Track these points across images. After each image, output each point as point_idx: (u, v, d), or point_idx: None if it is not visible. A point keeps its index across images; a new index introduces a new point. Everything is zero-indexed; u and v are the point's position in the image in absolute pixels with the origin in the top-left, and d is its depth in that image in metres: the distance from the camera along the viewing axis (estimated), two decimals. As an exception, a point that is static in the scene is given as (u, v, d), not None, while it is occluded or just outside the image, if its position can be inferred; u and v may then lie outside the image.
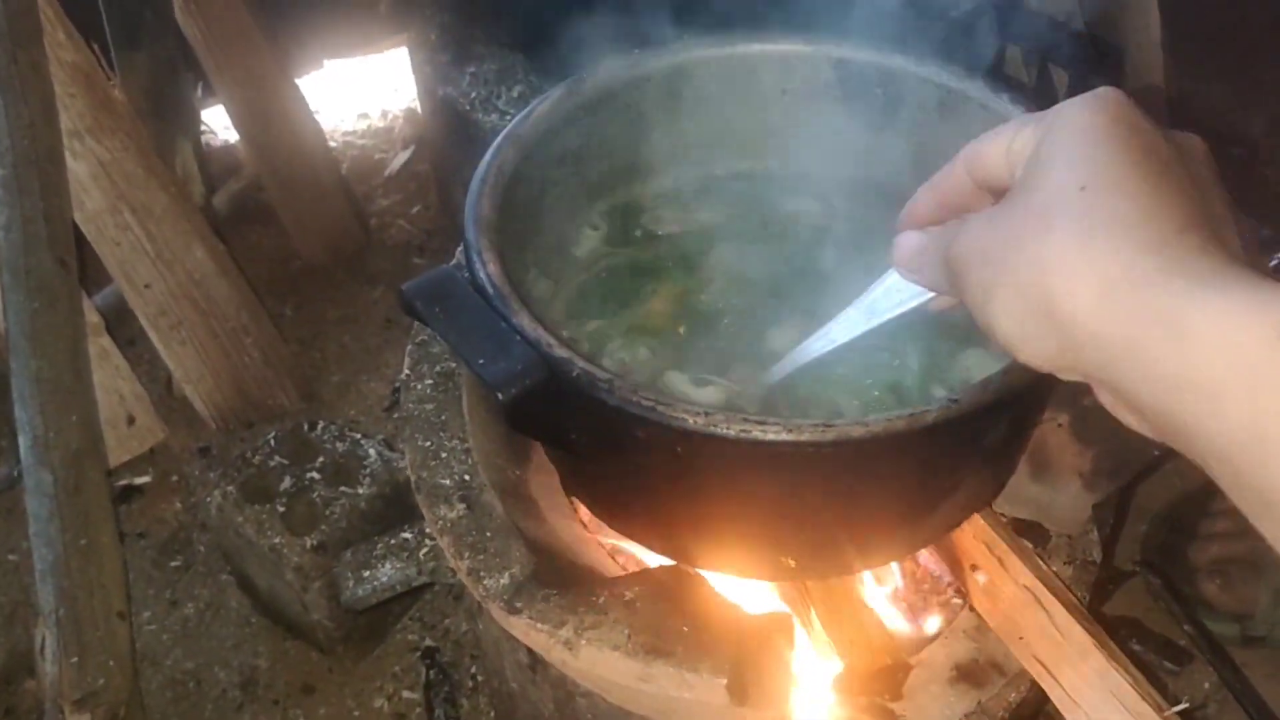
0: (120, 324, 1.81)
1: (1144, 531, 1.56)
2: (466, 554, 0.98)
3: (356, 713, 1.51)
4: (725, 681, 0.87)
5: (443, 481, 1.04)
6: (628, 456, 0.91)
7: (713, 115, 1.23)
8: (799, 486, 0.89)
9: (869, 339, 0.85)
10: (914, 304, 0.78)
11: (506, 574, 0.96)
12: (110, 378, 1.72)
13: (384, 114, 2.55)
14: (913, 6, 1.25)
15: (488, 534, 1.00)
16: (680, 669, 0.87)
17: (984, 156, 0.67)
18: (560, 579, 0.95)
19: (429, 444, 1.08)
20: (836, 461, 0.85)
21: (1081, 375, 0.58)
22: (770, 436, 0.82)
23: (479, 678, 1.53)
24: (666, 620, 0.90)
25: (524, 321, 0.89)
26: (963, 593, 1.16)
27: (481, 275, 0.94)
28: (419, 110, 2.49)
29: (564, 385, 0.85)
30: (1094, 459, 1.13)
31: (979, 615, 1.13)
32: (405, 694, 1.53)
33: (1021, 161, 0.62)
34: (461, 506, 1.02)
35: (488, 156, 1.07)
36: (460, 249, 1.00)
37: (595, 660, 0.89)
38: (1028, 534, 1.16)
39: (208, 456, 1.82)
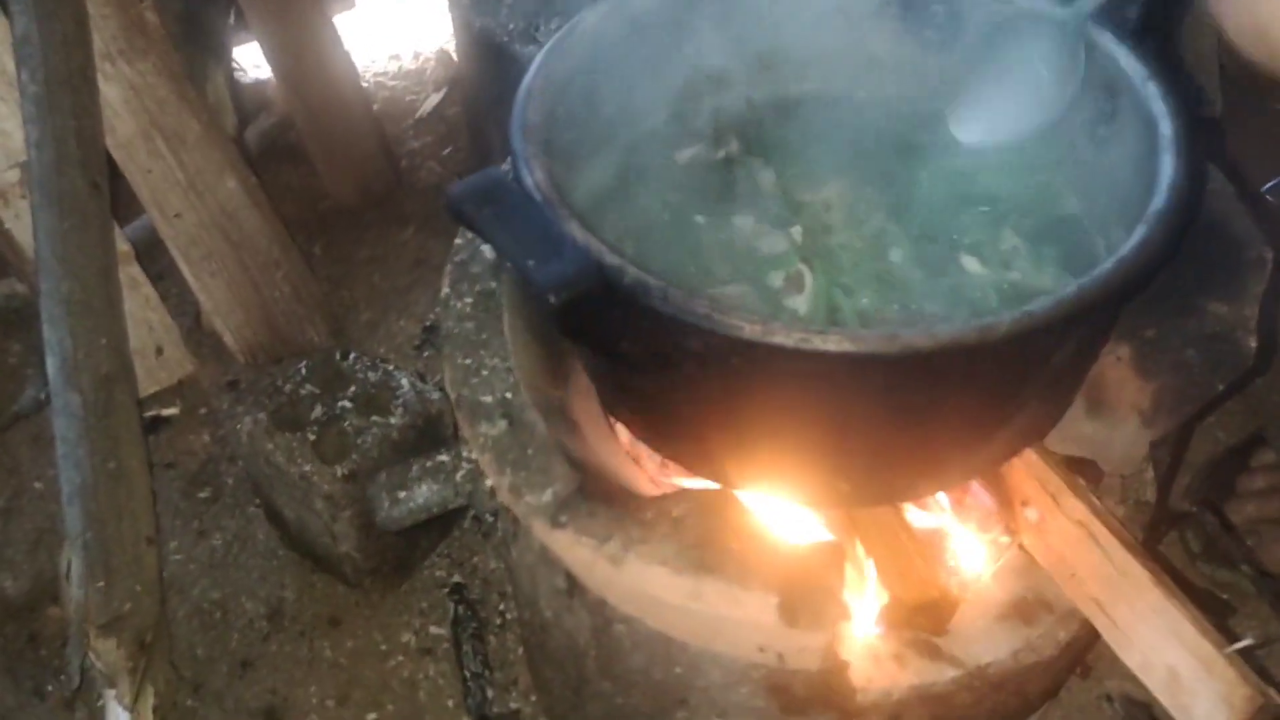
0: (149, 258, 1.79)
1: (1185, 485, 1.52)
2: (508, 470, 0.96)
3: (383, 646, 1.50)
4: (777, 600, 0.84)
5: (483, 399, 1.02)
6: (679, 369, 0.88)
7: (767, 33, 1.19)
8: (859, 403, 0.85)
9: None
10: None
11: (549, 490, 0.93)
12: (139, 308, 1.70)
13: (415, 55, 2.51)
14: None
15: (529, 451, 0.97)
16: (731, 585, 0.84)
17: None
18: (604, 496, 0.92)
19: (469, 361, 1.05)
20: (900, 376, 0.82)
21: None
22: (831, 347, 0.79)
23: (507, 615, 1.51)
24: (716, 538, 0.87)
25: (573, 226, 0.86)
26: (1012, 529, 1.12)
27: (529, 181, 0.91)
28: (451, 53, 2.45)
29: (615, 292, 0.82)
30: (1154, 394, 1.09)
31: (1028, 552, 1.10)
32: (432, 629, 1.51)
33: None
34: (503, 423, 0.99)
35: (534, 66, 1.04)
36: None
37: (642, 576, 0.86)
38: (1080, 472, 1.12)
39: (235, 390, 1.80)
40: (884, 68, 1.20)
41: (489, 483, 1.19)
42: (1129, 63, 1.00)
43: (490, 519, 1.58)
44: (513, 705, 1.43)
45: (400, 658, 1.48)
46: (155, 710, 1.40)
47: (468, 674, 1.43)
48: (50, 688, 1.46)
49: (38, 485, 1.68)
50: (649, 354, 0.87)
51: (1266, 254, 1.11)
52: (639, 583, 0.87)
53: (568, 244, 0.84)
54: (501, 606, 1.52)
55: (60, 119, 1.46)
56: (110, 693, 1.37)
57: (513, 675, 1.46)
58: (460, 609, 1.49)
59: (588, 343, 0.89)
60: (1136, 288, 0.87)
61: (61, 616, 1.53)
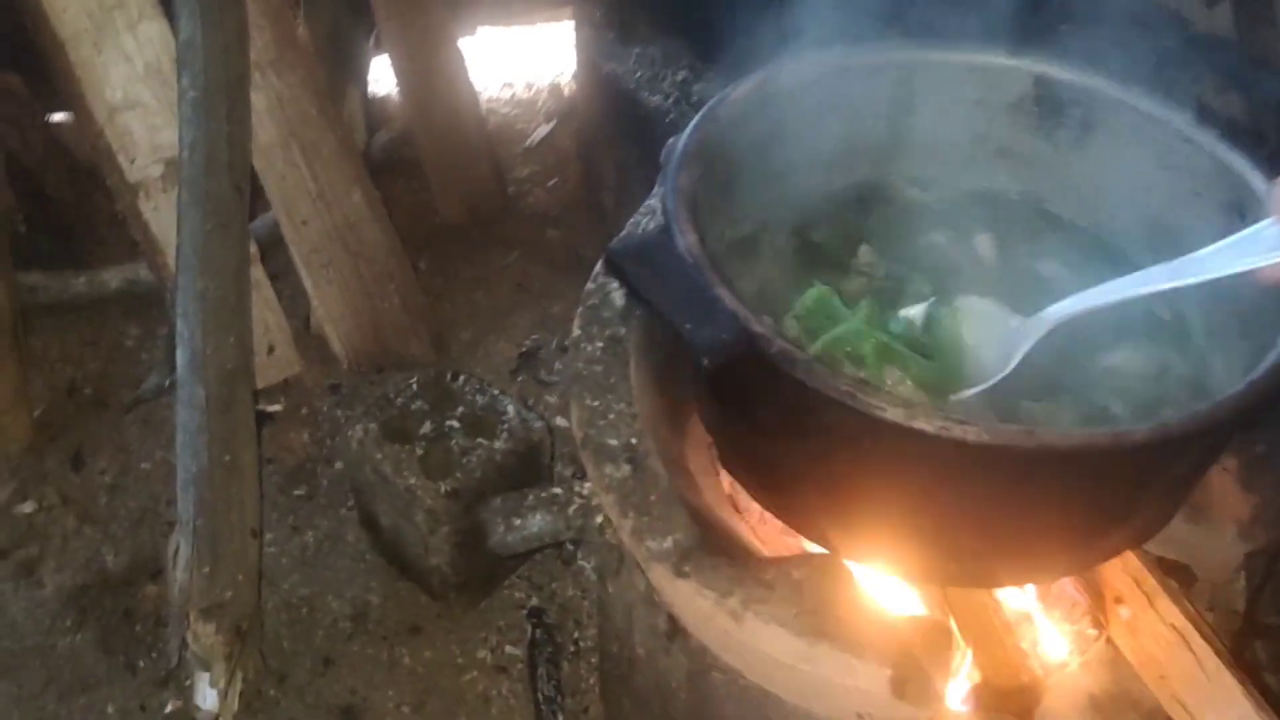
0: (266, 260, 1.86)
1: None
2: (631, 513, 1.00)
3: (460, 659, 1.55)
4: (890, 672, 0.88)
5: (610, 441, 1.06)
6: (811, 438, 0.92)
7: (900, 120, 1.24)
8: (983, 490, 0.89)
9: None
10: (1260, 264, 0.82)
11: (670, 538, 0.97)
12: (259, 307, 1.77)
13: (529, 86, 2.58)
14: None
15: (652, 497, 1.01)
16: (846, 654, 0.88)
17: None
18: (725, 551, 0.96)
19: (597, 404, 1.10)
20: (1028, 470, 0.86)
21: None
22: (970, 437, 0.83)
23: (582, 644, 1.55)
24: (833, 605, 0.91)
25: (724, 294, 0.91)
26: (1101, 624, 1.15)
27: (681, 244, 0.96)
28: (562, 86, 2.53)
29: (762, 360, 0.87)
30: (1255, 507, 1.12)
31: (1117, 648, 1.12)
32: (508, 649, 1.55)
33: None
34: (628, 468, 1.04)
35: (688, 131, 1.09)
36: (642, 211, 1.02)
37: (759, 634, 0.90)
38: (1173, 574, 1.15)
39: (337, 393, 1.87)
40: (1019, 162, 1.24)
41: (599, 521, 1.24)
42: (1260, 185, 1.03)
43: (571, 548, 1.63)
44: (583, 733, 1.47)
45: (476, 673, 1.53)
46: (241, 696, 1.47)
47: (541, 697, 1.47)
48: (142, 663, 1.53)
49: (145, 466, 1.75)
50: (785, 421, 0.91)
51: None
52: (755, 640, 0.91)
53: (719, 309, 0.89)
54: (576, 634, 1.57)
55: (214, 124, 1.54)
56: (203, 675, 1.43)
57: (584, 703, 1.50)
58: (538, 632, 1.53)
59: (731, 403, 0.93)
60: (1263, 409, 0.90)
61: (158, 595, 1.60)
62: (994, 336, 1.02)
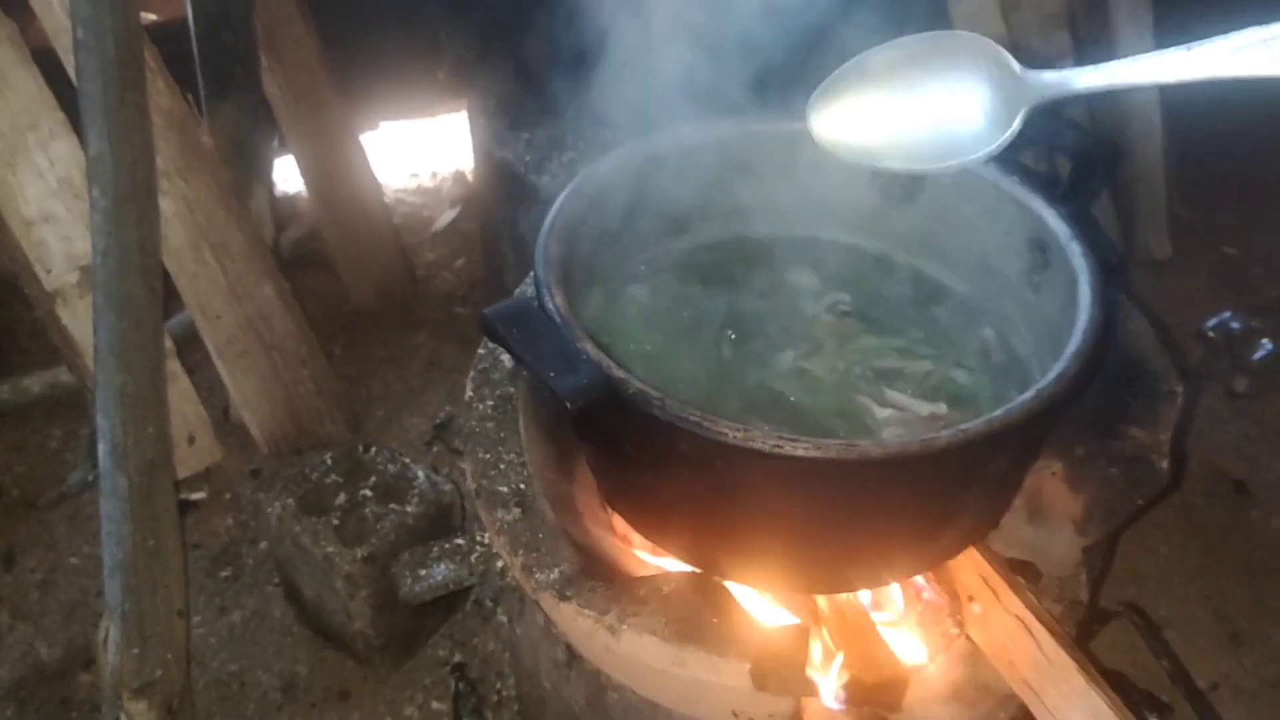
0: (184, 353, 1.95)
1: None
2: (521, 551, 1.11)
3: (388, 718, 1.62)
4: (750, 668, 0.99)
5: (500, 489, 1.17)
6: (671, 468, 1.04)
7: (753, 183, 1.38)
8: (822, 500, 1.01)
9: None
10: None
11: (556, 570, 1.08)
12: (176, 399, 1.86)
13: (433, 175, 2.72)
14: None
15: (540, 535, 1.12)
16: (710, 654, 0.99)
17: None
18: (604, 576, 1.07)
19: (489, 456, 1.21)
20: (857, 479, 0.98)
21: None
22: (800, 452, 0.95)
23: (504, 693, 1.64)
24: (699, 613, 1.02)
25: (587, 346, 1.03)
26: (960, 622, 1.27)
27: (550, 305, 1.08)
28: (465, 173, 2.66)
29: (622, 401, 0.99)
30: (1084, 506, 1.25)
31: (973, 642, 1.24)
32: (434, 704, 1.63)
33: None
34: (517, 511, 1.15)
35: (556, 205, 1.22)
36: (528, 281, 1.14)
37: (635, 645, 1.01)
38: (1022, 573, 1.27)
39: (258, 478, 1.95)
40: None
41: (500, 564, 1.34)
42: (1056, 224, 1.19)
43: (491, 604, 1.72)
44: (507, 777, 1.55)
45: (404, 730, 1.61)
46: (176, 772, 1.53)
47: (466, 745, 1.55)
48: (80, 748, 1.58)
49: (74, 561, 1.82)
50: (648, 453, 1.03)
51: (1177, 388, 1.28)
52: (632, 650, 1.02)
53: (582, 360, 1.01)
54: (499, 685, 1.65)
55: (125, 230, 1.64)
56: (138, 753, 1.49)
57: (507, 748, 1.58)
58: (460, 685, 1.62)
59: (597, 443, 1.04)
60: (1054, 414, 1.04)
61: (91, 683, 1.65)
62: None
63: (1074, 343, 1.05)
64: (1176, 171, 2.43)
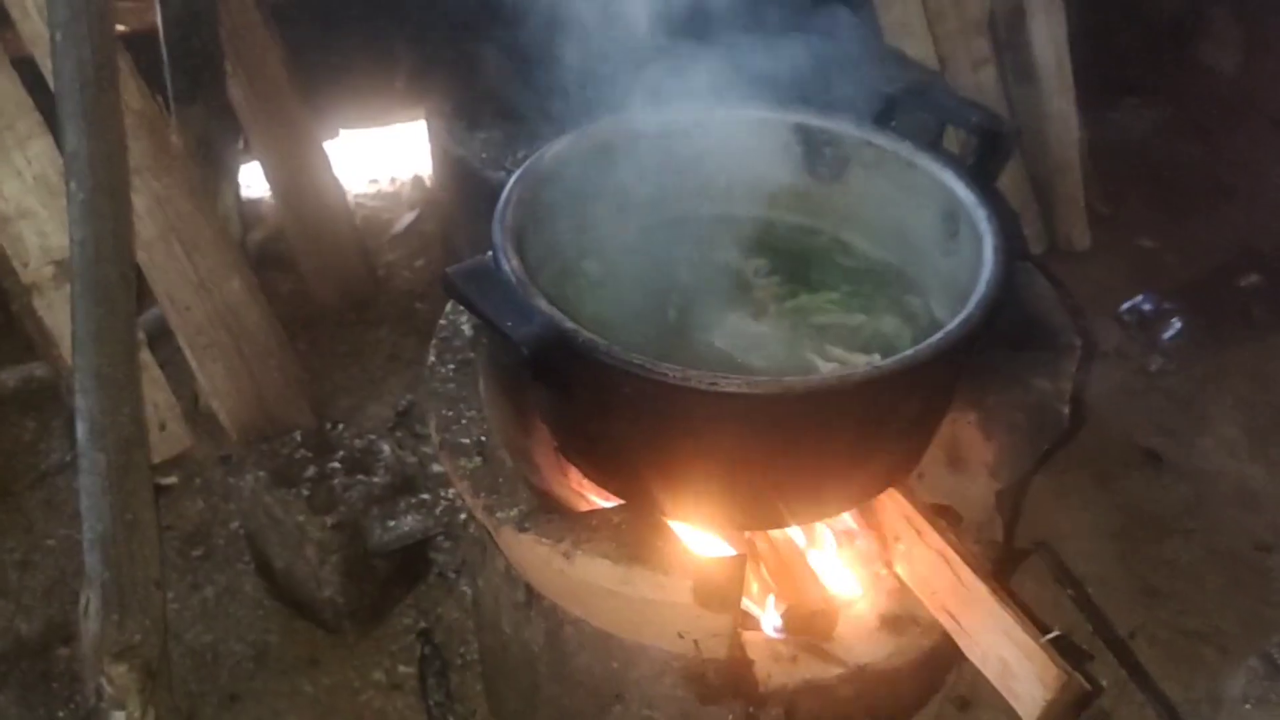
0: (155, 348, 2.03)
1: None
2: (483, 493, 1.21)
3: (356, 683, 1.70)
4: (691, 584, 1.09)
5: (463, 441, 1.27)
6: (618, 410, 1.15)
7: (692, 167, 1.50)
8: (755, 437, 1.13)
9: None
10: None
11: (515, 508, 1.18)
12: (147, 388, 1.93)
13: (392, 181, 2.82)
14: (859, 84, 1.54)
15: (499, 479, 1.22)
16: (656, 572, 1.10)
17: None
18: (559, 511, 1.17)
19: (450, 413, 1.31)
20: (785, 413, 1.10)
21: None
22: (733, 389, 1.06)
23: (467, 656, 1.73)
24: (646, 539, 1.13)
25: (540, 302, 1.14)
26: (888, 562, 1.39)
27: (506, 267, 1.19)
28: (423, 179, 2.77)
29: (572, 348, 1.10)
30: (996, 452, 1.38)
31: (900, 579, 1.36)
32: (401, 668, 1.72)
33: None
34: (478, 459, 1.25)
35: (512, 179, 1.34)
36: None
37: (588, 567, 1.11)
38: (944, 517, 1.39)
39: (228, 464, 2.03)
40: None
41: (463, 516, 1.44)
42: (964, 194, 1.32)
43: (454, 575, 1.81)
44: (471, 732, 1.64)
45: (372, 692, 1.69)
46: (154, 734, 1.60)
47: (431, 703, 1.64)
48: (61, 714, 1.64)
49: (50, 543, 1.89)
50: (596, 398, 1.14)
51: (1076, 342, 1.41)
52: (585, 574, 1.12)
53: (535, 312, 1.12)
54: (462, 650, 1.74)
55: (101, 222, 1.72)
56: (117, 714, 1.56)
57: (472, 708, 1.67)
58: (426, 649, 1.71)
59: (550, 386, 1.15)
60: (959, 355, 1.16)
61: (71, 656, 1.72)
62: None
63: (978, 292, 1.17)
64: (1096, 170, 2.59)
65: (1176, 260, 2.53)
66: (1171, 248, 2.56)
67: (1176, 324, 2.15)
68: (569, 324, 1.11)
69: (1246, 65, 3.09)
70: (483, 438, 1.28)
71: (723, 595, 1.12)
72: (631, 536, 1.13)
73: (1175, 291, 2.27)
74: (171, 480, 2.00)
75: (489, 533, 1.27)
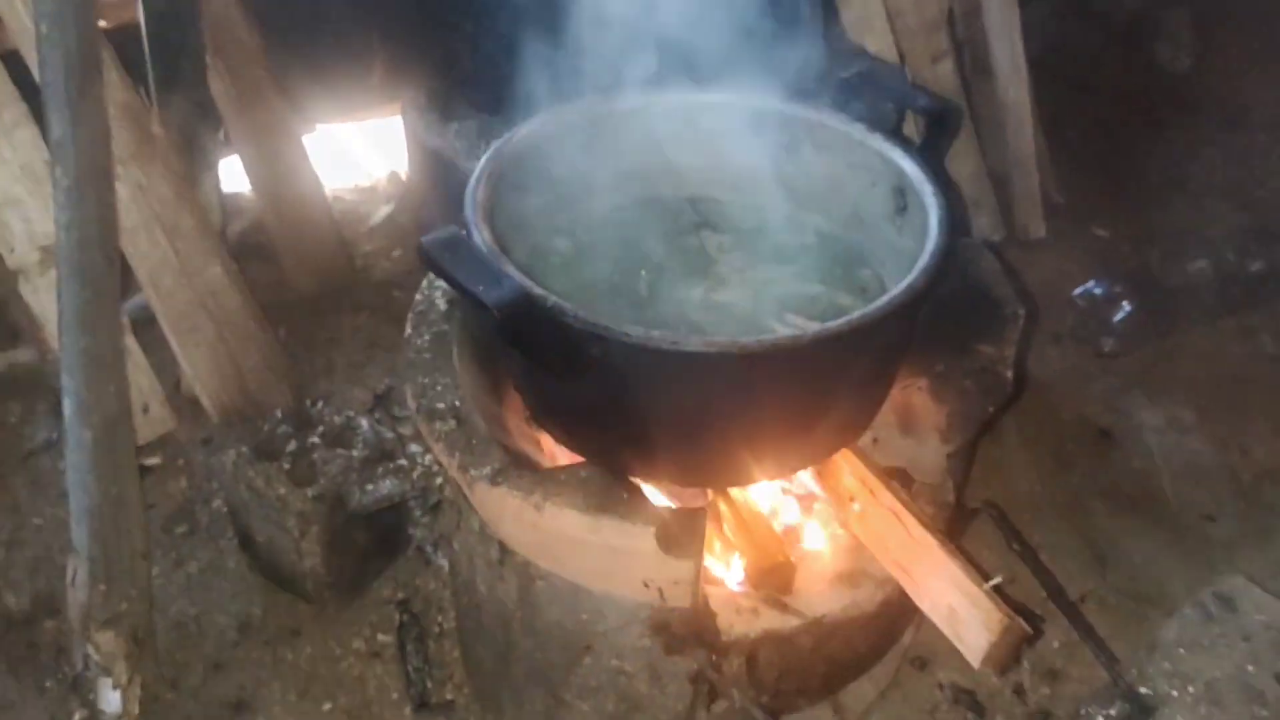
0: (138, 334, 2.08)
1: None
2: (458, 453, 1.27)
3: (337, 651, 1.76)
4: (655, 531, 1.16)
5: (438, 405, 1.34)
6: (584, 371, 1.21)
7: (660, 149, 1.57)
8: (714, 396, 1.20)
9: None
10: None
11: (488, 466, 1.25)
12: (132, 371, 1.99)
13: (369, 175, 2.88)
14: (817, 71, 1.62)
15: (473, 441, 1.29)
16: (621, 521, 1.16)
17: None
18: (530, 468, 1.24)
19: (426, 380, 1.38)
20: (742, 371, 1.17)
21: None
22: (693, 348, 1.14)
23: (444, 625, 1.79)
24: (612, 491, 1.20)
25: (510, 269, 1.21)
26: (844, 522, 1.46)
27: (477, 237, 1.26)
28: (399, 173, 2.83)
29: (540, 314, 1.16)
30: (947, 416, 1.45)
31: (855, 537, 1.43)
32: (380, 637, 1.78)
33: None
34: (453, 422, 1.31)
35: (484, 158, 1.40)
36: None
37: (557, 518, 1.18)
38: (898, 479, 1.47)
39: (209, 445, 2.08)
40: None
41: (439, 480, 1.51)
42: (913, 171, 1.39)
43: (431, 549, 1.87)
44: (449, 696, 1.70)
45: (352, 660, 1.75)
46: (140, 702, 1.65)
47: (410, 668, 1.70)
48: (49, 683, 1.70)
49: (36, 521, 1.93)
50: (564, 360, 1.20)
51: (1020, 310, 1.49)
52: (554, 523, 1.19)
53: (506, 279, 1.18)
54: (439, 619, 1.80)
55: (86, 207, 1.78)
56: (105, 681, 1.62)
57: (449, 673, 1.73)
58: (405, 618, 1.77)
59: (521, 350, 1.22)
60: (905, 317, 1.24)
61: (57, 629, 1.77)
62: None
63: (922, 260, 1.25)
64: (1052, 161, 2.68)
65: (1129, 248, 2.61)
66: (1125, 236, 2.65)
67: (1127, 307, 2.24)
68: (538, 289, 1.18)
69: (1199, 65, 3.20)
70: (457, 403, 1.35)
71: (685, 542, 1.19)
72: (598, 489, 1.20)
73: (1127, 276, 2.35)
74: (155, 461, 2.05)
75: (463, 493, 1.33)
